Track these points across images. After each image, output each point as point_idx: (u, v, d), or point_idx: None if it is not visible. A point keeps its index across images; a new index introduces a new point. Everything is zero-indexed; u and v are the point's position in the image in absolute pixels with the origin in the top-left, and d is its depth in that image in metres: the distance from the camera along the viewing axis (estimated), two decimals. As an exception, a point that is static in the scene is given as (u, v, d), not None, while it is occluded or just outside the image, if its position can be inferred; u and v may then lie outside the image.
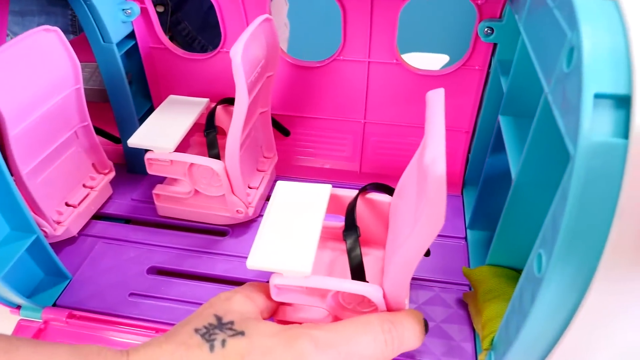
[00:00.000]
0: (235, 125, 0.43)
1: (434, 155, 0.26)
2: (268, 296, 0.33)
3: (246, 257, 0.32)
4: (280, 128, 0.56)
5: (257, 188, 0.51)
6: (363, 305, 0.33)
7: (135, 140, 0.45)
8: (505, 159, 0.36)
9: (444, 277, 0.44)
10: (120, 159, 0.57)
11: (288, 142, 0.57)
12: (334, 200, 0.37)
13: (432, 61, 1.50)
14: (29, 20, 0.69)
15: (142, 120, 0.54)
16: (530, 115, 0.38)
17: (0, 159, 0.36)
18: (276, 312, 0.34)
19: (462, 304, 0.42)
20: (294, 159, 0.58)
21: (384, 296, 0.31)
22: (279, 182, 0.37)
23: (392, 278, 0.30)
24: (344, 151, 0.57)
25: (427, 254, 0.31)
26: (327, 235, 0.39)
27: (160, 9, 0.69)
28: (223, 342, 0.27)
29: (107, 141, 0.56)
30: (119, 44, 0.49)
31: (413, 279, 0.44)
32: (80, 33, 0.70)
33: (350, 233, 0.34)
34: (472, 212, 0.48)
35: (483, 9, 0.44)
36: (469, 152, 0.53)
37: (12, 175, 0.39)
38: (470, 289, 0.42)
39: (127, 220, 0.52)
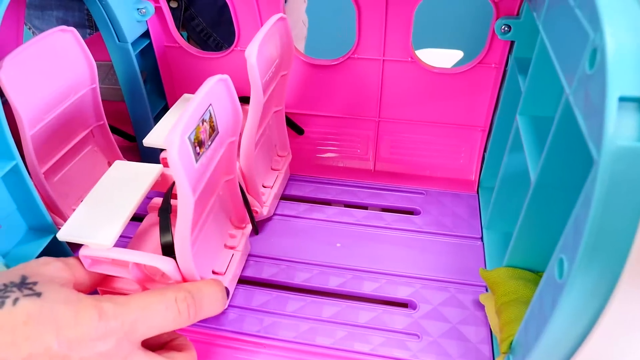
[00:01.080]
0: (251, 125, 0.42)
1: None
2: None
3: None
4: (294, 127, 0.56)
5: (272, 187, 0.51)
6: (167, 277, 0.36)
7: (151, 140, 0.45)
8: (524, 158, 0.35)
9: (459, 277, 0.44)
10: (136, 156, 0.58)
11: (302, 141, 0.57)
12: (165, 179, 0.40)
13: (445, 57, 1.49)
14: (48, 14, 0.70)
15: (157, 118, 0.54)
16: (550, 116, 0.37)
17: (19, 158, 0.37)
18: (101, 283, 0.37)
19: (479, 305, 0.41)
20: (308, 158, 0.58)
21: (178, 268, 0.34)
22: (116, 162, 0.40)
23: (178, 251, 0.33)
24: (358, 149, 0.56)
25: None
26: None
27: (174, 4, 0.69)
28: (15, 300, 0.27)
29: (122, 139, 0.56)
30: (134, 43, 0.49)
31: (428, 279, 0.44)
32: (97, 28, 0.70)
33: (163, 211, 0.36)
34: (489, 212, 0.47)
35: (500, 7, 0.43)
36: (485, 150, 0.52)
37: (29, 174, 0.39)
38: (486, 290, 0.42)
39: (141, 218, 0.52)
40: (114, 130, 0.52)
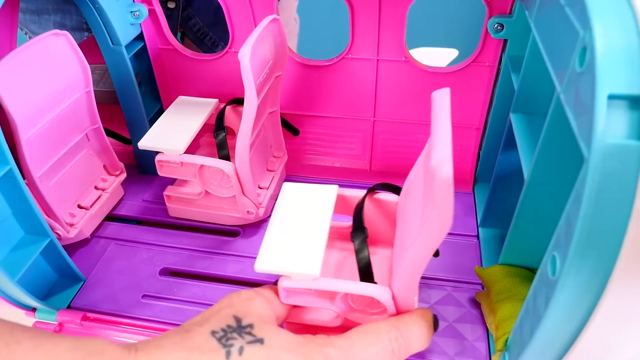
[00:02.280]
0: (245, 127, 0.43)
1: (440, 157, 0.25)
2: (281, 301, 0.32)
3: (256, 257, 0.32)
4: (289, 127, 0.56)
5: (268, 188, 0.51)
6: (372, 307, 0.33)
7: (146, 143, 0.45)
8: (518, 156, 0.35)
9: (456, 276, 0.44)
10: (131, 159, 0.58)
11: (297, 142, 0.57)
12: (341, 200, 0.37)
13: (440, 56, 1.49)
14: (45, 19, 0.70)
15: (152, 121, 0.54)
16: (543, 113, 0.37)
17: (13, 163, 0.37)
18: (290, 315, 0.34)
19: (475, 303, 0.41)
20: (303, 158, 0.58)
21: (393, 297, 0.31)
22: (285, 184, 0.37)
23: (400, 279, 0.30)
24: (353, 149, 0.56)
25: (436, 254, 0.30)
26: (335, 236, 0.39)
27: (172, 4, 0.69)
28: (241, 349, 0.26)
29: (118, 142, 0.56)
30: (128, 46, 0.49)
31: (425, 278, 0.44)
32: (94, 32, 0.70)
33: (358, 234, 0.33)
34: (484, 210, 0.47)
35: (493, 5, 0.43)
36: (479, 148, 0.53)
37: (24, 179, 0.39)
38: (482, 288, 0.42)
39: (138, 222, 0.53)
40: (109, 133, 0.52)
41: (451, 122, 0.28)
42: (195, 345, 0.26)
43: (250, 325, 0.27)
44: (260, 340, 0.27)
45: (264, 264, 0.31)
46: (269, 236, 0.33)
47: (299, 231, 0.33)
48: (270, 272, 0.31)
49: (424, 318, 0.31)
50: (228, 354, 0.25)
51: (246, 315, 0.28)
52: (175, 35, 0.73)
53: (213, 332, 0.26)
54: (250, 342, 0.26)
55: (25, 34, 0.73)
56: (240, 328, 0.27)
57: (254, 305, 0.29)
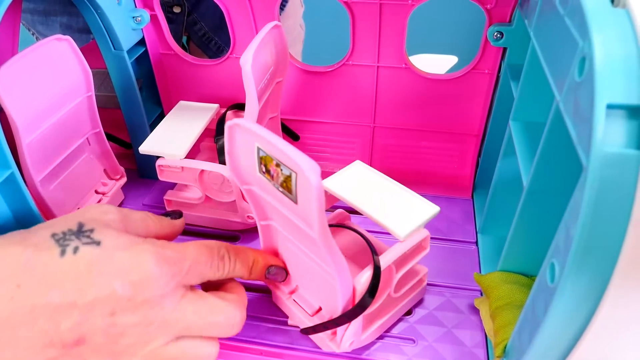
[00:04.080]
0: (246, 132, 0.43)
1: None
2: (148, 228, 0.34)
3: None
4: (289, 133, 0.56)
5: (267, 193, 0.51)
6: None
7: (147, 147, 0.45)
8: (517, 163, 0.35)
9: (454, 282, 0.44)
10: (132, 164, 0.58)
11: (298, 147, 0.56)
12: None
13: (440, 63, 1.50)
14: (52, 20, 0.70)
15: (152, 126, 0.54)
16: (542, 122, 0.38)
17: (15, 167, 0.37)
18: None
19: (474, 309, 0.42)
20: (303, 163, 0.58)
21: None
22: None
23: None
24: (353, 155, 0.57)
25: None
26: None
27: (177, 9, 0.70)
28: (75, 249, 0.27)
29: (119, 146, 0.57)
30: (130, 51, 0.49)
31: (424, 284, 0.44)
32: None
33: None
34: (483, 216, 0.48)
35: (492, 13, 0.44)
36: (479, 155, 0.53)
37: (25, 183, 0.39)
38: (481, 295, 0.42)
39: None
40: (110, 137, 0.53)
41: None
42: (32, 243, 0.27)
43: (91, 230, 0.29)
44: (97, 242, 0.28)
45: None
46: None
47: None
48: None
49: (257, 256, 0.36)
50: (62, 252, 0.27)
51: (91, 222, 0.30)
52: (180, 39, 0.73)
53: (53, 234, 0.28)
54: (86, 244, 0.28)
55: (33, 34, 0.74)
56: (80, 232, 0.29)
57: (105, 218, 0.31)
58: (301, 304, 0.39)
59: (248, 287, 0.45)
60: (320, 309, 0.38)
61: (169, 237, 0.36)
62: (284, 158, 0.27)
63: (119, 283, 0.27)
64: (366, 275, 0.33)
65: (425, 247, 0.38)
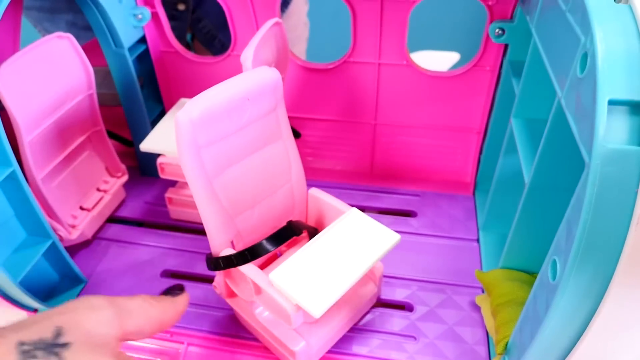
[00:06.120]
0: (247, 129, 0.43)
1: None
2: (149, 316, 0.30)
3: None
4: (291, 130, 0.56)
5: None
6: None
7: (148, 145, 0.45)
8: (519, 161, 0.35)
9: (456, 279, 0.44)
10: (133, 161, 0.58)
11: (299, 144, 0.57)
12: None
13: (442, 59, 1.49)
14: (58, 17, 0.70)
15: (154, 123, 0.54)
16: (543, 118, 0.38)
17: (16, 164, 0.37)
18: None
19: (475, 306, 0.41)
20: (305, 161, 0.58)
21: None
22: (353, 210, 0.37)
23: None
24: (355, 152, 0.56)
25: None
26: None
27: (182, 6, 0.69)
28: None
29: (120, 144, 0.57)
30: (131, 49, 0.49)
31: (425, 281, 0.44)
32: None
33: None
34: (485, 213, 0.47)
35: (494, 10, 0.43)
36: (480, 152, 0.53)
37: (27, 180, 0.39)
38: (483, 292, 0.42)
39: (140, 224, 0.53)
40: (111, 135, 0.53)
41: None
42: None
43: (66, 345, 0.25)
44: None
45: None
46: (298, 254, 0.34)
47: (329, 261, 0.33)
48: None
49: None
50: None
51: (72, 329, 0.26)
52: (185, 37, 0.73)
53: (21, 343, 0.24)
54: None
55: (39, 31, 0.74)
56: (52, 345, 0.25)
57: (92, 319, 0.27)
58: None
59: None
60: None
61: (173, 320, 0.31)
62: None
63: None
64: None
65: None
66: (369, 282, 0.40)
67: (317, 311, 0.30)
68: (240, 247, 0.37)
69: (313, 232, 0.39)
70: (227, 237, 0.35)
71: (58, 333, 0.25)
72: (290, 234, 0.37)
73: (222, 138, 0.32)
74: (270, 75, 0.34)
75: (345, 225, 0.36)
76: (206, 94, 0.31)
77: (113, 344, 0.27)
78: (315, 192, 0.41)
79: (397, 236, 0.35)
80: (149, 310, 0.30)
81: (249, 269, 0.34)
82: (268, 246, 0.35)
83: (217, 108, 0.31)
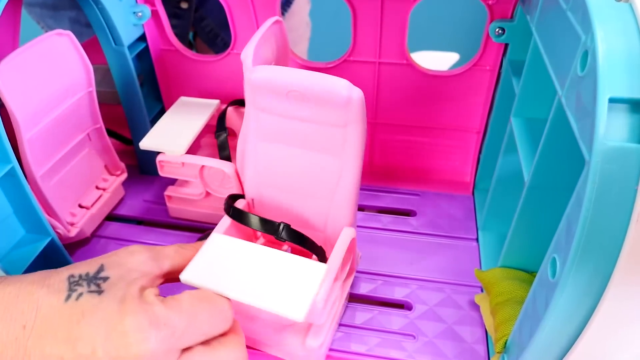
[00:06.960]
0: (246, 128, 0.43)
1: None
2: (185, 257, 0.33)
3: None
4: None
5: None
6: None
7: (147, 143, 0.45)
8: (518, 160, 0.35)
9: (455, 278, 0.44)
10: (133, 159, 0.58)
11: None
12: None
13: (442, 59, 1.49)
14: (61, 14, 0.70)
15: (153, 121, 0.54)
16: (543, 118, 0.38)
17: (15, 161, 0.37)
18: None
19: (474, 305, 0.41)
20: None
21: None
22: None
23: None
24: (354, 152, 0.56)
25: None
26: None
27: (185, 5, 0.69)
28: (79, 295, 0.27)
29: (119, 142, 0.57)
30: (131, 47, 0.49)
31: (424, 280, 0.44)
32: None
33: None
34: (484, 213, 0.47)
35: (494, 9, 0.43)
36: (480, 152, 0.53)
37: (26, 177, 0.39)
38: (482, 291, 0.42)
39: (139, 222, 0.53)
40: (111, 133, 0.53)
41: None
42: (48, 283, 0.28)
43: (104, 278, 0.29)
44: (100, 292, 0.28)
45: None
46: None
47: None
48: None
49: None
50: (68, 297, 0.27)
51: (112, 267, 0.29)
52: (187, 35, 0.73)
53: (70, 277, 0.28)
54: (90, 291, 0.28)
55: (42, 28, 0.74)
56: (95, 278, 0.29)
57: (130, 259, 0.30)
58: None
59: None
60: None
61: None
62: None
63: (101, 345, 0.26)
64: None
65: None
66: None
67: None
68: (254, 211, 0.42)
69: (321, 258, 0.38)
70: (248, 191, 0.41)
71: (100, 269, 0.29)
72: (281, 238, 0.36)
73: (277, 114, 0.36)
74: (342, 92, 0.32)
75: (297, 261, 0.32)
76: (275, 68, 0.34)
77: (148, 280, 0.30)
78: (349, 232, 0.37)
79: (300, 315, 0.29)
80: (185, 252, 0.33)
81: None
82: (253, 223, 0.37)
83: (275, 86, 0.34)
